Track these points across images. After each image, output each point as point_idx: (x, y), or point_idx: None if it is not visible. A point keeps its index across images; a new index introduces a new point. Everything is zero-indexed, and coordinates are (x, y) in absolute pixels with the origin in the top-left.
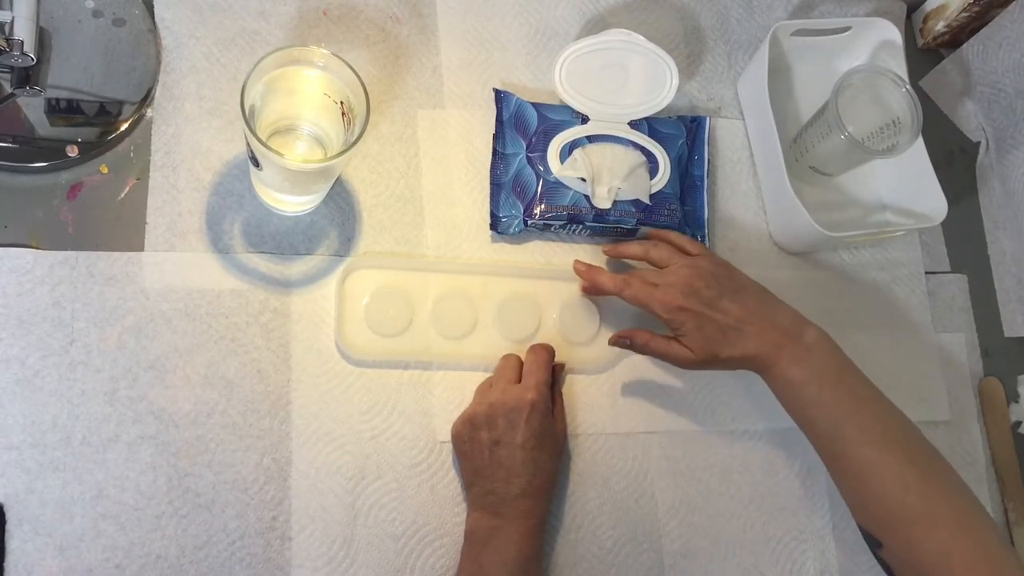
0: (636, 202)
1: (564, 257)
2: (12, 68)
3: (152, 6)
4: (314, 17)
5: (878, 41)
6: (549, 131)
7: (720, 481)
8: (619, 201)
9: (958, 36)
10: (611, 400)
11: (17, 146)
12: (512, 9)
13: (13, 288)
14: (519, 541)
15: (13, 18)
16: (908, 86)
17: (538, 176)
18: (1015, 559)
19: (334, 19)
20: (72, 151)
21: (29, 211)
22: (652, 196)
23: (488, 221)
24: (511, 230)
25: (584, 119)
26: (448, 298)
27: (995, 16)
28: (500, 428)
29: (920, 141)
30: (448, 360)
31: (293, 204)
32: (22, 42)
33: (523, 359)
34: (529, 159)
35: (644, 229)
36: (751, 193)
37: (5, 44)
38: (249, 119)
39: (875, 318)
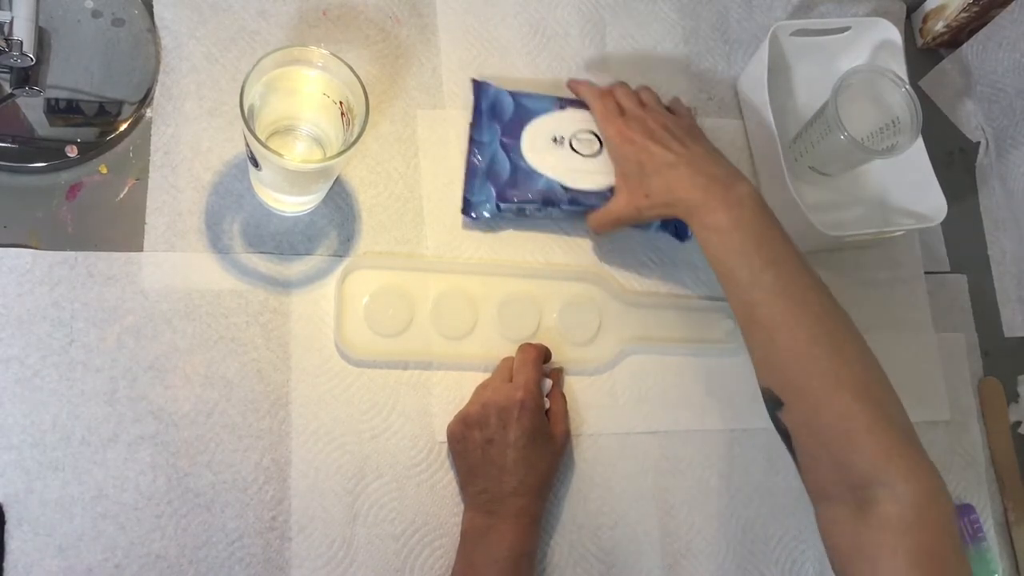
0: None
1: (564, 256)
2: (12, 68)
3: (152, 6)
4: (314, 17)
5: (878, 41)
6: (523, 118)
7: (720, 481)
8: (603, 191)
9: (958, 36)
10: (611, 400)
11: (17, 146)
12: (512, 9)
13: (13, 288)
14: (511, 539)
15: (13, 18)
16: (908, 86)
17: (511, 161)
18: (914, 433)
19: (334, 19)
20: (72, 151)
21: (29, 211)
22: None
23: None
24: (483, 213)
25: (563, 105)
26: (448, 298)
27: (995, 16)
28: (492, 427)
29: (920, 141)
30: (448, 360)
31: (292, 204)
32: (22, 42)
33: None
34: (503, 144)
35: None
36: None
37: (5, 44)
38: (248, 119)
39: (875, 318)
